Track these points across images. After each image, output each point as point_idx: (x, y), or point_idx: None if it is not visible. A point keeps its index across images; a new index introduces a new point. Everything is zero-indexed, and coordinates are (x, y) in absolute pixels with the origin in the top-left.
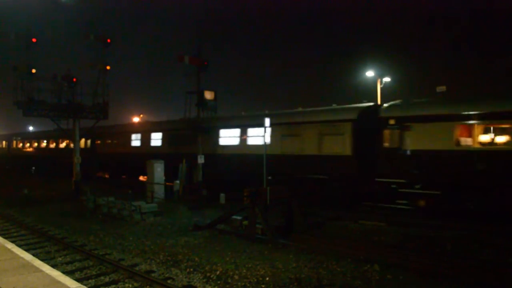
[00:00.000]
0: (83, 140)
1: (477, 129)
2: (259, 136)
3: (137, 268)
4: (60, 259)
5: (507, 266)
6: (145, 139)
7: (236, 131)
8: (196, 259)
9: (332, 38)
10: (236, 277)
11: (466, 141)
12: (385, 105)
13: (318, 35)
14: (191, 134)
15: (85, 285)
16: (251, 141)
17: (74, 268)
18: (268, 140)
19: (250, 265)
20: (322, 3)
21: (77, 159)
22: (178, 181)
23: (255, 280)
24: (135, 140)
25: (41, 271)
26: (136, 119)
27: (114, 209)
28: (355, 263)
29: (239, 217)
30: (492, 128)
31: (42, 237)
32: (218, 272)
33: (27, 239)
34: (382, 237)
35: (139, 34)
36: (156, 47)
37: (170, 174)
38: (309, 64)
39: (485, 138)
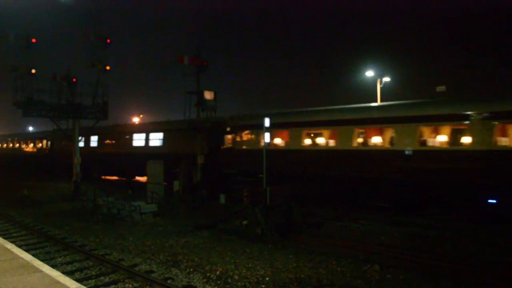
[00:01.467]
0: (44, 142)
1: (272, 134)
2: (157, 139)
3: (137, 268)
4: (60, 259)
5: (507, 266)
6: (87, 141)
7: (142, 135)
8: (196, 259)
9: (332, 38)
10: (236, 277)
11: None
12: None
13: (319, 35)
14: (115, 136)
15: (85, 285)
16: (152, 143)
17: (74, 268)
18: (267, 139)
19: (250, 265)
20: (322, 3)
21: (77, 159)
22: (177, 181)
23: (255, 280)
24: (80, 143)
25: (41, 271)
26: (136, 119)
27: (114, 210)
28: (355, 263)
29: (238, 217)
30: (279, 133)
31: (42, 238)
32: (218, 272)
33: (27, 239)
34: (382, 237)
35: (139, 34)
36: (156, 47)
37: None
38: (309, 64)
39: (277, 141)
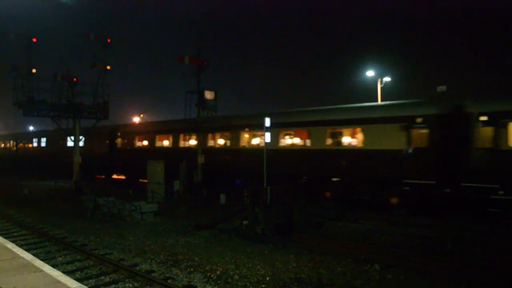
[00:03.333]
0: (11, 142)
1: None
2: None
3: (137, 268)
4: (60, 259)
5: (507, 266)
6: (38, 142)
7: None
8: (196, 259)
9: (332, 38)
10: (236, 276)
11: (123, 144)
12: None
13: (319, 35)
14: (53, 138)
15: (85, 285)
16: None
17: (74, 268)
18: (268, 139)
19: (250, 265)
20: (322, 3)
21: (77, 159)
22: (177, 181)
23: (256, 280)
24: (34, 143)
25: (41, 271)
26: (136, 119)
27: (115, 209)
28: (355, 263)
29: (239, 217)
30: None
31: (42, 237)
32: (218, 272)
33: (28, 239)
34: (382, 237)
35: (140, 34)
36: (157, 47)
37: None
38: (310, 64)
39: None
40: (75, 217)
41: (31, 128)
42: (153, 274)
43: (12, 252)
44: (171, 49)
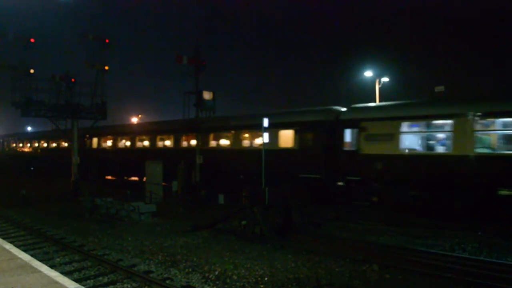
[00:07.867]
0: None
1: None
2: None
3: (135, 269)
4: (58, 259)
5: (506, 266)
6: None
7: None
8: (195, 259)
9: (331, 38)
10: (234, 277)
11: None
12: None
13: (317, 35)
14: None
15: (83, 285)
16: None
17: (72, 268)
18: (266, 139)
19: (248, 265)
20: (321, 3)
21: (75, 159)
22: (176, 182)
23: (254, 280)
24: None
25: (39, 271)
26: (134, 120)
27: (113, 210)
28: (354, 263)
29: (237, 218)
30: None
31: (40, 238)
32: (216, 272)
33: (25, 239)
34: (381, 237)
35: (138, 34)
36: (155, 47)
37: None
38: (308, 64)
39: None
40: (73, 218)
41: (29, 128)
42: (151, 275)
43: (10, 253)
44: (170, 49)
